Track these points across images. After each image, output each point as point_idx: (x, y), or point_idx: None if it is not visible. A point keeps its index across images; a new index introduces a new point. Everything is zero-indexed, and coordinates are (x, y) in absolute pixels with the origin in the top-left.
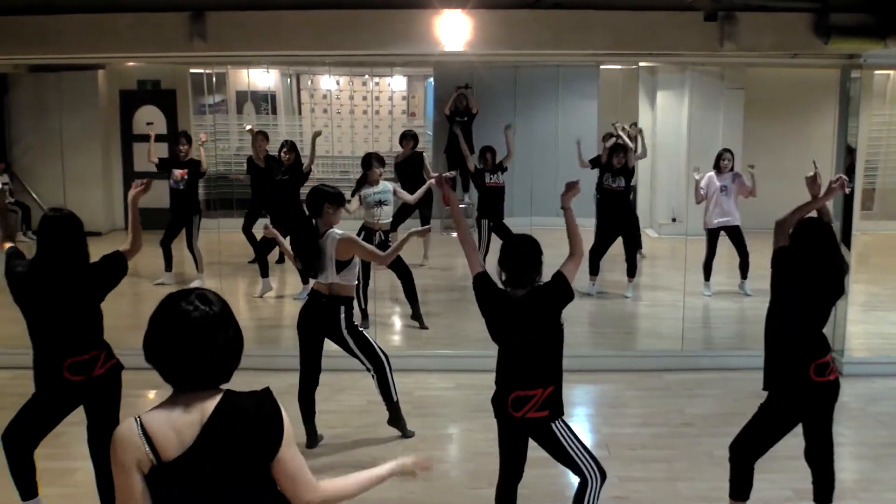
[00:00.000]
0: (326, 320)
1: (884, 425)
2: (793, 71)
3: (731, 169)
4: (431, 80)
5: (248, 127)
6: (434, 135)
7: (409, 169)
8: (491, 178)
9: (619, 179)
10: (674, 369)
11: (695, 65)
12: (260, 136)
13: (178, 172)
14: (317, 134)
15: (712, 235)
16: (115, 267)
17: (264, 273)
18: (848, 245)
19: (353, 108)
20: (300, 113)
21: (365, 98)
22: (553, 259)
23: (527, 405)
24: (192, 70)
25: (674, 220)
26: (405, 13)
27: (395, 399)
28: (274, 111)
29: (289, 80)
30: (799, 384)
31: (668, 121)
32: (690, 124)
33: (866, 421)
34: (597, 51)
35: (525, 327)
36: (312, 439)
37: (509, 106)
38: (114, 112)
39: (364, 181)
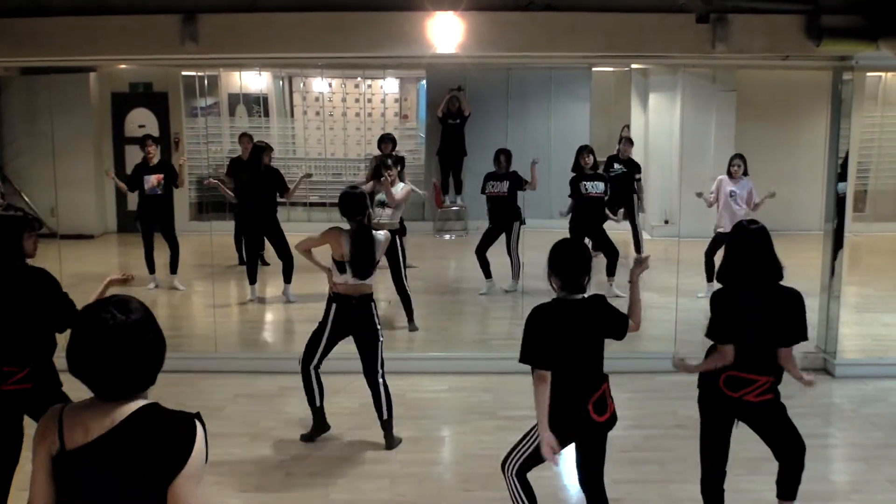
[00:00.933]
0: (362, 317)
1: (876, 427)
2: (785, 73)
3: (745, 174)
4: (424, 82)
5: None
6: (427, 137)
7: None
8: (489, 188)
9: (599, 185)
10: (666, 371)
11: (687, 67)
12: (245, 138)
13: (153, 178)
14: (307, 176)
15: (719, 237)
16: (61, 313)
17: (252, 279)
18: (840, 246)
19: (345, 110)
20: (293, 115)
21: (357, 100)
22: (542, 260)
23: (607, 408)
24: (184, 73)
25: (666, 221)
26: (397, 15)
27: (386, 417)
28: (266, 114)
29: (281, 82)
30: (709, 392)
31: (661, 123)
32: (683, 126)
33: (859, 422)
34: (589, 53)
35: (587, 330)
36: (320, 425)
37: (502, 108)
38: (105, 114)
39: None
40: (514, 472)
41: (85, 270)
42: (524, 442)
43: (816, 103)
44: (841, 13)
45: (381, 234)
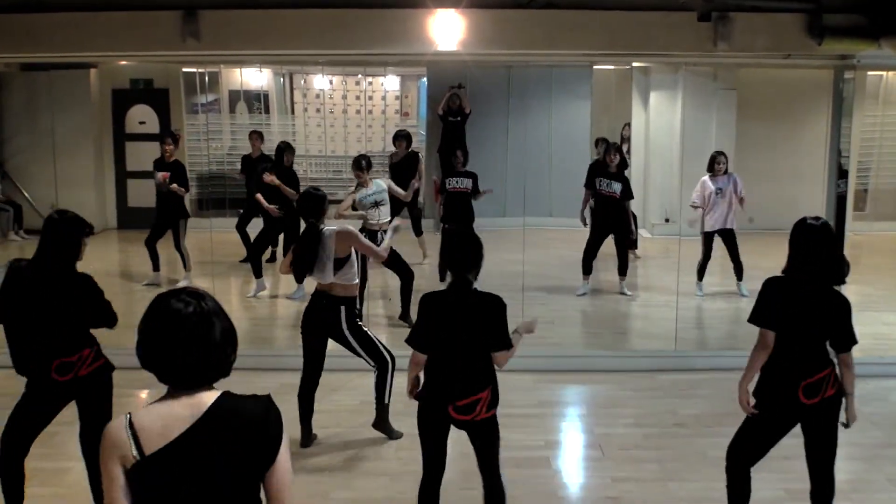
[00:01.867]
0: (328, 320)
1: (877, 426)
2: (786, 72)
3: (726, 172)
4: (424, 79)
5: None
6: (427, 134)
7: (404, 169)
8: (452, 183)
9: (614, 185)
10: (667, 370)
11: (688, 65)
12: (255, 136)
13: (160, 174)
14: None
15: (708, 238)
16: (97, 315)
17: (258, 273)
18: (841, 245)
19: (346, 107)
20: (293, 112)
21: (358, 98)
22: (542, 258)
23: (474, 412)
24: (184, 69)
25: (667, 220)
26: (399, 12)
27: (386, 401)
28: (267, 110)
29: (282, 79)
30: (787, 404)
31: (661, 121)
32: (683, 125)
33: (859, 421)
34: (590, 51)
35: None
36: (307, 439)
37: (502, 106)
38: (106, 111)
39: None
40: None
41: (84, 267)
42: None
43: (818, 102)
44: (842, 12)
45: (326, 229)
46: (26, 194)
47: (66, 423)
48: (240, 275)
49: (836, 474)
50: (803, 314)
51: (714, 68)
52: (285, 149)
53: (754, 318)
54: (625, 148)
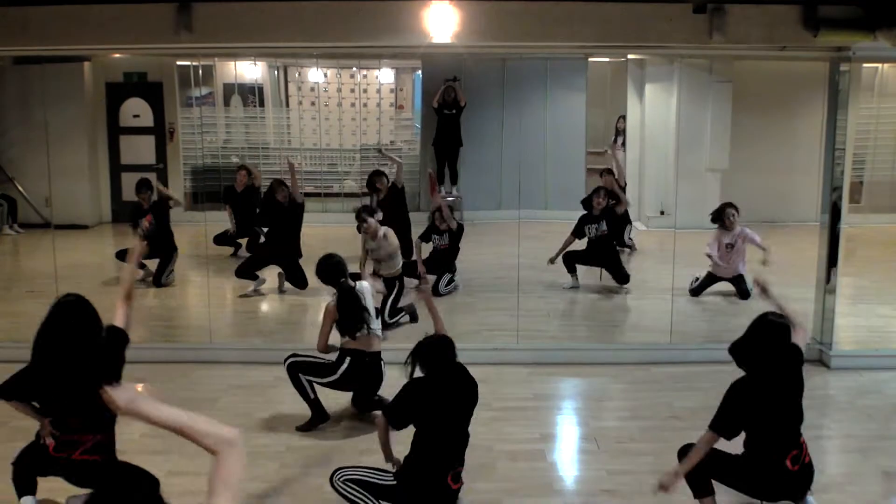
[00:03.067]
0: (372, 379)
1: (871, 418)
2: (781, 64)
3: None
4: (419, 72)
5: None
6: (422, 127)
7: (392, 203)
8: (436, 241)
9: (602, 224)
10: (662, 362)
11: (683, 57)
12: (242, 171)
13: (144, 221)
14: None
15: (710, 278)
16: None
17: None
18: (837, 238)
19: (340, 100)
20: (287, 105)
21: (353, 90)
22: (538, 251)
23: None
24: (178, 62)
25: (662, 213)
26: (393, 4)
27: None
28: (261, 103)
29: (276, 72)
30: (776, 474)
31: (657, 114)
32: (679, 117)
33: (853, 414)
34: (585, 43)
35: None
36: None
37: (497, 99)
38: (100, 104)
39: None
40: (343, 479)
41: (79, 260)
42: (370, 471)
43: (813, 94)
44: (838, 4)
45: (363, 284)
46: (20, 188)
47: None
48: (233, 269)
49: (831, 467)
50: (778, 405)
51: (709, 60)
52: (277, 187)
53: (715, 426)
54: (620, 141)
